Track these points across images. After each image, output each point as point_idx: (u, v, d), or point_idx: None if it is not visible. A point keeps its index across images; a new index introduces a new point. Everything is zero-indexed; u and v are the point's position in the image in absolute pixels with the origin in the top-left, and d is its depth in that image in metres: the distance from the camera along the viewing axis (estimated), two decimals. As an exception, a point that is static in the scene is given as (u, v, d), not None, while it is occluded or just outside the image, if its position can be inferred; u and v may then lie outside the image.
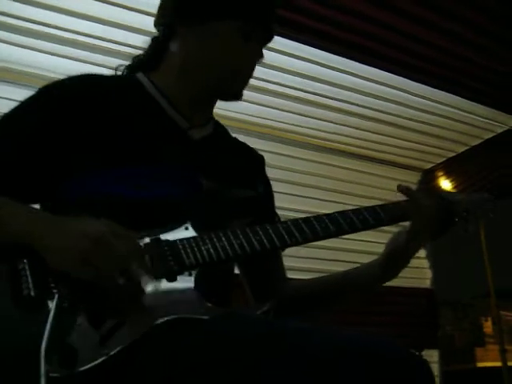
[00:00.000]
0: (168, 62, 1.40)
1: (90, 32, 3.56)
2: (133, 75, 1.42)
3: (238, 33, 1.34)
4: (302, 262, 4.47)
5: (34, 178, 1.24)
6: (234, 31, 1.34)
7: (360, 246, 4.94)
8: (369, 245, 4.88)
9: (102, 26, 3.54)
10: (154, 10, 1.46)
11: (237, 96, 1.41)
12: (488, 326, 8.01)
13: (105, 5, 3.43)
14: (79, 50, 3.63)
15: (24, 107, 1.29)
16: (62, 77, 1.33)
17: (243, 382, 0.93)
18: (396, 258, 1.37)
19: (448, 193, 1.45)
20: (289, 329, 1.00)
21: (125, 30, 3.58)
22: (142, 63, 1.43)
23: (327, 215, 1.28)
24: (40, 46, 3.55)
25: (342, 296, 1.50)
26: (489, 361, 7.22)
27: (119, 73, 1.44)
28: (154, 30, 1.45)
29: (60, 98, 1.27)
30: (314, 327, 0.99)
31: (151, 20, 1.46)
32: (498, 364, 5.73)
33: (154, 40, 1.43)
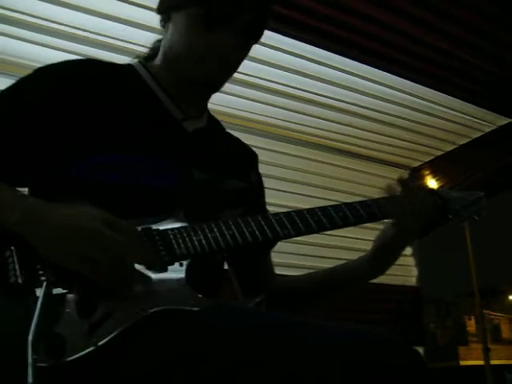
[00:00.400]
0: (161, 50, 1.38)
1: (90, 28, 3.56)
2: (129, 64, 1.40)
3: (200, 21, 1.28)
4: (289, 258, 4.46)
5: (26, 160, 1.21)
6: (197, 19, 1.29)
7: (346, 243, 4.95)
8: (355, 241, 4.90)
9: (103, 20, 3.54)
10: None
11: (210, 84, 1.36)
12: (471, 325, 8.08)
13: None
14: (77, 44, 3.62)
15: (20, 85, 1.26)
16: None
17: (234, 373, 0.92)
18: (384, 253, 1.37)
19: (442, 190, 1.46)
20: (281, 320, 0.99)
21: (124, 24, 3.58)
22: (143, 54, 1.43)
23: (320, 208, 1.27)
24: (38, 39, 3.54)
25: (329, 292, 1.48)
26: (472, 359, 7.29)
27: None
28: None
29: (57, 79, 1.24)
30: (307, 320, 0.98)
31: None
32: (481, 363, 5.78)
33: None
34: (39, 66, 1.26)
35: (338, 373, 0.86)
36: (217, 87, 1.37)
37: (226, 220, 1.18)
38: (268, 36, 3.72)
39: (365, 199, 1.33)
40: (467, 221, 1.42)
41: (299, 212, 1.24)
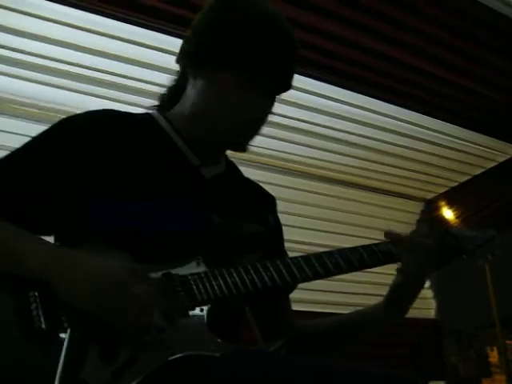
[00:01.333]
0: (183, 101, 1.40)
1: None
2: (148, 113, 1.43)
3: (237, 84, 1.30)
4: (310, 294, 4.44)
5: (49, 211, 1.23)
6: (233, 83, 1.30)
7: (369, 277, 4.93)
8: (378, 276, 4.88)
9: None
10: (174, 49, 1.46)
11: (240, 148, 1.39)
12: (494, 356, 7.94)
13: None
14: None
15: (43, 138, 1.29)
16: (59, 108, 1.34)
17: None
18: (398, 298, 1.38)
19: (455, 229, 1.46)
20: (305, 364, 1.00)
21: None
22: (161, 101, 1.45)
23: (338, 251, 1.28)
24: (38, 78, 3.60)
25: (347, 338, 1.50)
26: (496, 391, 7.13)
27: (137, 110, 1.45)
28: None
29: (79, 131, 1.28)
30: (334, 363, 0.99)
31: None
32: (506, 394, 5.67)
33: (175, 77, 1.45)
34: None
35: None
36: (244, 150, 1.39)
37: (244, 265, 1.20)
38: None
39: (380, 241, 1.35)
40: (482, 260, 1.42)
41: (317, 255, 1.26)
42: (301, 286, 1.43)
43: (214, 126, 1.34)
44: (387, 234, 1.34)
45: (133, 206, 1.23)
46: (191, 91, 1.36)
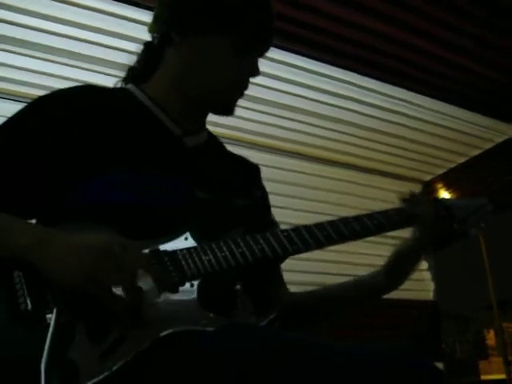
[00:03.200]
0: (162, 70, 1.39)
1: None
2: (125, 87, 1.42)
3: (232, 47, 1.32)
4: (295, 276, 4.41)
5: (30, 191, 1.21)
6: (226, 45, 1.32)
7: (354, 259, 4.91)
8: (363, 257, 4.86)
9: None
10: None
11: (228, 110, 1.40)
12: (491, 338, 7.97)
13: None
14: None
15: (21, 116, 1.27)
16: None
17: None
18: (398, 267, 1.39)
19: (447, 199, 1.45)
20: (301, 340, 0.98)
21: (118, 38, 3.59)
22: (135, 73, 1.43)
23: (329, 222, 1.26)
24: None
25: (342, 307, 1.50)
26: (493, 373, 7.17)
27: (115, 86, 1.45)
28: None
29: (58, 106, 1.27)
30: (327, 340, 0.96)
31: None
32: (502, 376, 5.68)
33: (148, 46, 1.43)
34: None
35: None
36: (231, 113, 1.40)
37: (234, 238, 1.18)
38: (276, 52, 3.73)
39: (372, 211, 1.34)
40: (474, 229, 1.41)
41: (308, 227, 1.24)
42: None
43: (203, 88, 1.35)
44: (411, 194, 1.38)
45: (115, 180, 1.20)
46: (173, 58, 1.36)
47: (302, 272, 4.64)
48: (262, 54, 1.40)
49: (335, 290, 1.48)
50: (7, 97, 3.69)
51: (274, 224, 1.46)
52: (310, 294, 1.49)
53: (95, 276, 1.02)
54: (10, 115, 1.28)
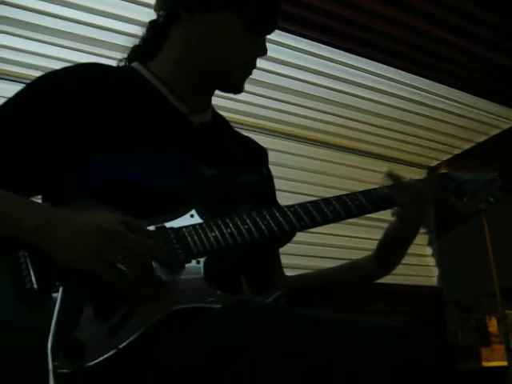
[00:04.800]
0: (168, 48, 1.38)
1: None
2: (129, 66, 1.41)
3: (241, 25, 1.32)
4: (291, 259, 4.41)
5: (36, 169, 1.20)
6: (238, 23, 1.32)
7: (351, 243, 4.90)
8: (354, 240, 4.86)
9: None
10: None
11: (237, 88, 1.39)
12: (493, 325, 7.99)
13: None
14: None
15: (24, 96, 1.26)
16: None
17: (262, 371, 0.90)
18: (390, 249, 1.38)
19: (456, 173, 1.43)
20: (314, 316, 0.96)
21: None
22: (140, 51, 1.42)
23: (335, 198, 1.25)
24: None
25: (337, 290, 1.49)
26: (494, 360, 7.20)
27: (119, 64, 1.44)
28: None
29: (62, 83, 1.25)
30: (335, 316, 0.95)
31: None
32: (504, 363, 5.70)
33: (153, 24, 1.41)
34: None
35: (368, 364, 0.84)
36: (240, 91, 1.39)
37: (240, 215, 1.16)
38: (284, 35, 3.70)
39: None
40: (484, 203, 1.38)
41: (314, 202, 1.22)
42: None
43: (211, 66, 1.35)
44: (389, 174, 1.33)
45: (121, 158, 1.19)
46: (180, 35, 1.35)
47: (297, 255, 4.66)
48: (269, 33, 1.40)
49: (334, 273, 1.48)
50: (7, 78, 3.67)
51: (278, 204, 1.45)
52: (304, 278, 1.49)
53: (105, 256, 1.01)
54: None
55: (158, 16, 1.39)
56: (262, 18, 1.35)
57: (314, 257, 4.81)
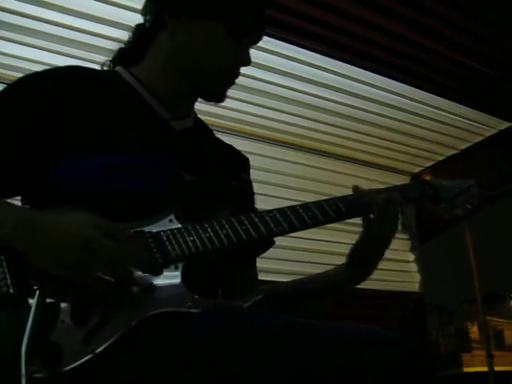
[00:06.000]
0: (153, 53, 1.38)
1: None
2: (113, 69, 1.41)
3: (226, 33, 1.32)
4: (274, 264, 4.41)
5: (16, 170, 1.20)
6: (223, 31, 1.32)
7: (332, 248, 4.93)
8: (341, 246, 4.87)
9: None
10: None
11: (219, 97, 1.40)
12: (474, 332, 8.03)
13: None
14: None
15: (4, 96, 1.25)
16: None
17: (241, 376, 0.90)
18: (361, 255, 1.38)
19: (434, 180, 1.46)
20: (293, 321, 0.97)
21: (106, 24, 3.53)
22: (125, 55, 1.42)
23: (314, 203, 1.27)
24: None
25: (313, 299, 1.49)
26: (475, 366, 7.23)
27: (103, 68, 1.43)
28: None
29: (45, 87, 1.24)
30: (309, 321, 0.96)
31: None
32: (485, 369, 5.73)
33: (139, 28, 1.41)
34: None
35: (344, 369, 0.84)
36: (222, 100, 1.40)
37: (219, 220, 1.17)
38: (269, 41, 3.70)
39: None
40: (460, 209, 1.42)
41: (293, 208, 1.23)
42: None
43: (195, 72, 1.35)
44: (355, 189, 1.36)
45: (102, 162, 1.19)
46: (165, 41, 1.35)
47: (286, 261, 4.67)
48: (254, 43, 1.40)
49: (306, 283, 1.48)
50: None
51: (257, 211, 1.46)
52: (285, 287, 1.50)
53: (82, 265, 1.01)
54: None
55: (145, 20, 1.39)
56: (248, 27, 1.35)
57: (301, 262, 4.82)
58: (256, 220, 1.19)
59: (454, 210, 1.43)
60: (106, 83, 1.34)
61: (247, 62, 1.38)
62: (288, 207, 1.24)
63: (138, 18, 1.43)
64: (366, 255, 1.37)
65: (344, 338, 0.89)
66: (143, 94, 1.34)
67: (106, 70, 1.41)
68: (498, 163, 4.91)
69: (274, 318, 1.00)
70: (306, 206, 1.25)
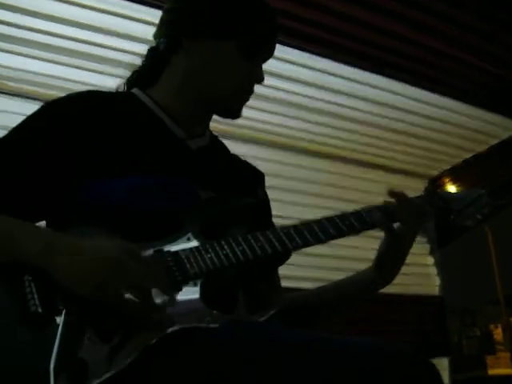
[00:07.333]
0: (168, 75, 1.41)
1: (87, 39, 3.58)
2: (129, 91, 1.44)
3: (240, 51, 1.35)
4: (299, 271, 4.42)
5: (39, 196, 1.23)
6: (236, 49, 1.35)
7: (356, 253, 4.94)
8: (365, 252, 4.86)
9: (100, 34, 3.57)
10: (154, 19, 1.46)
11: (235, 114, 1.43)
12: (498, 333, 7.95)
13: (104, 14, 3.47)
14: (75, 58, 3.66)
15: (28, 124, 1.29)
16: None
17: None
18: (386, 261, 1.40)
19: (445, 192, 1.47)
20: (301, 336, 1.00)
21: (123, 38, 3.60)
22: (140, 77, 1.45)
23: (327, 219, 1.29)
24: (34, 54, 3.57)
25: (337, 306, 1.51)
26: (500, 368, 7.16)
27: (118, 90, 1.47)
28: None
29: (63, 115, 1.28)
30: (323, 334, 0.99)
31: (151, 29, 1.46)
32: (510, 371, 5.70)
33: (153, 51, 1.44)
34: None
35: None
36: (238, 116, 1.43)
37: (235, 237, 1.20)
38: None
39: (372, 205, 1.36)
40: (470, 220, 1.43)
41: (307, 223, 1.26)
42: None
43: (211, 92, 1.38)
44: (390, 191, 1.38)
45: (121, 184, 1.22)
46: (181, 62, 1.38)
47: (311, 267, 4.68)
48: (266, 60, 1.43)
49: (333, 289, 1.50)
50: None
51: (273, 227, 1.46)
52: (310, 294, 1.52)
53: (107, 286, 1.04)
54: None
55: (158, 43, 1.42)
56: (261, 46, 1.38)
57: (324, 268, 4.85)
58: (271, 236, 1.22)
59: (464, 220, 1.43)
60: (124, 105, 1.37)
61: (261, 79, 1.41)
62: (302, 223, 1.27)
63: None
64: (392, 259, 1.39)
65: (358, 353, 0.92)
66: (160, 114, 1.37)
67: (122, 93, 1.45)
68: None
69: (290, 333, 1.03)
70: (319, 221, 1.28)
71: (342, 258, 4.97)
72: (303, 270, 4.47)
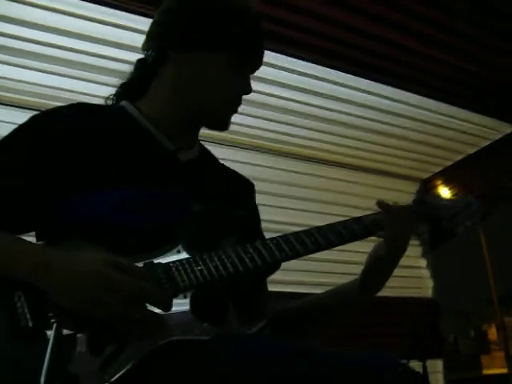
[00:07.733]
0: (156, 87, 1.41)
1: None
2: (118, 104, 1.44)
3: (229, 64, 1.36)
4: (297, 276, 4.44)
5: (27, 208, 1.24)
6: (225, 62, 1.36)
7: (355, 257, 4.96)
8: (363, 256, 4.87)
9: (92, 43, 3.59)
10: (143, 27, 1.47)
11: (223, 126, 1.43)
12: (492, 333, 7.96)
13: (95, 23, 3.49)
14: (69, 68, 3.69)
15: (15, 137, 1.29)
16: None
17: None
18: (374, 272, 1.39)
19: (434, 199, 1.47)
20: (289, 348, 1.01)
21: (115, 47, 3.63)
22: (129, 90, 1.45)
23: (317, 228, 1.30)
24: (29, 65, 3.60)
25: (325, 317, 1.50)
26: (495, 368, 7.16)
27: (107, 102, 1.47)
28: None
29: (50, 129, 1.28)
30: (310, 346, 1.01)
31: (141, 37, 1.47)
32: (505, 371, 5.70)
33: (141, 63, 1.44)
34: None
35: None
36: (226, 128, 1.43)
37: (225, 249, 1.21)
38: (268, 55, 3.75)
39: (364, 215, 1.38)
40: (461, 227, 1.42)
41: (296, 234, 1.27)
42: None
43: (199, 105, 1.38)
44: (379, 203, 1.38)
45: (111, 197, 1.23)
46: (169, 75, 1.38)
47: (309, 272, 4.69)
48: (254, 71, 1.44)
49: (319, 300, 1.50)
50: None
51: (263, 237, 1.46)
52: (298, 306, 1.52)
53: (98, 300, 1.05)
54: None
55: (146, 55, 1.42)
56: (249, 57, 1.39)
57: (325, 273, 4.88)
58: (260, 248, 1.23)
59: (455, 227, 1.42)
60: (113, 118, 1.37)
61: (249, 90, 1.41)
62: (292, 234, 1.27)
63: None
64: (379, 271, 1.39)
65: (345, 366, 0.94)
66: (148, 127, 1.37)
67: (111, 105, 1.45)
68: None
69: (279, 345, 1.04)
70: (308, 232, 1.29)
71: (341, 262, 4.98)
72: (301, 275, 4.48)
